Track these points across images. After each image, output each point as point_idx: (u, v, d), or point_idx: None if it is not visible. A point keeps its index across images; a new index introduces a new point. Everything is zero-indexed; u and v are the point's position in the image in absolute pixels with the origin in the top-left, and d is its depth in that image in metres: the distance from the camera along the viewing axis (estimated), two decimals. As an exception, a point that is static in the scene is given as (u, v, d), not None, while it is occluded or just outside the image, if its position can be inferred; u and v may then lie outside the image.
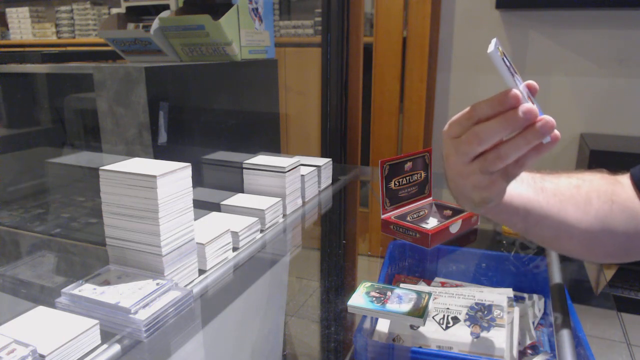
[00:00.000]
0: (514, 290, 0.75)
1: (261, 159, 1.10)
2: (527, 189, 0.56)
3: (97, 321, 0.60)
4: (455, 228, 0.97)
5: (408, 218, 1.00)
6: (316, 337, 0.77)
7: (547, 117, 0.42)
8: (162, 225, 0.69)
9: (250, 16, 1.21)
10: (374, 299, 0.65)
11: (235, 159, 1.14)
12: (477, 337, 0.63)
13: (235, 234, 0.89)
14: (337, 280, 0.94)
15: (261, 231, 0.97)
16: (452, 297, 0.71)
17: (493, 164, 0.45)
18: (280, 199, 1.04)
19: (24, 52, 1.67)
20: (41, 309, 0.63)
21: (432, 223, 1.02)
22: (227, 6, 1.14)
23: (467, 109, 0.45)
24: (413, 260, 0.92)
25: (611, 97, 2.02)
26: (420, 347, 0.63)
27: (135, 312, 0.63)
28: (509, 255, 0.85)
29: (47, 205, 1.16)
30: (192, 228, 0.75)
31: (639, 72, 1.96)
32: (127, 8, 1.24)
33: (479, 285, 0.83)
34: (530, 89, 0.45)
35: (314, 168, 1.20)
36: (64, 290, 0.67)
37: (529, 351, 0.67)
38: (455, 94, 2.26)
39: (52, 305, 0.65)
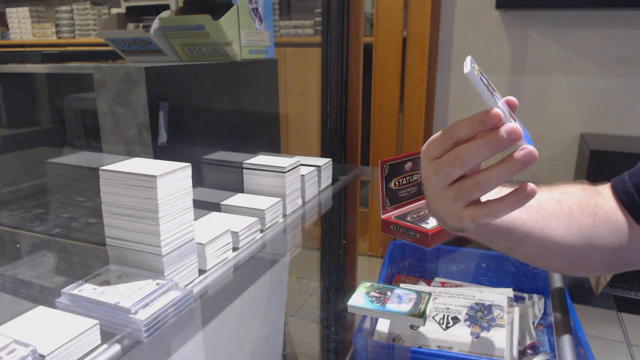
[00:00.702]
0: (514, 290, 0.75)
1: (261, 159, 1.10)
2: None
3: (97, 321, 0.60)
4: (455, 228, 0.97)
5: (408, 218, 1.00)
6: (316, 337, 0.77)
7: (530, 147, 0.40)
8: (162, 225, 0.69)
9: (250, 16, 1.21)
10: (374, 299, 0.65)
11: (235, 159, 1.14)
12: (477, 337, 0.63)
13: (235, 234, 0.89)
14: (337, 280, 0.94)
15: (261, 231, 0.97)
16: (452, 297, 0.71)
17: (470, 192, 0.43)
18: (280, 199, 1.04)
19: (24, 52, 1.67)
20: (41, 309, 0.63)
21: (432, 223, 1.02)
22: (227, 6, 1.14)
23: (446, 128, 0.43)
24: (413, 260, 0.92)
25: (611, 97, 2.02)
26: (420, 347, 0.63)
27: (135, 312, 0.63)
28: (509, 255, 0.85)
29: (47, 205, 1.16)
30: (192, 228, 0.75)
31: (639, 72, 1.96)
32: (127, 8, 1.24)
33: (479, 285, 0.83)
34: (510, 105, 0.43)
35: (314, 168, 1.20)
36: (64, 290, 0.67)
37: (529, 351, 0.67)
38: (455, 94, 2.26)
39: (52, 305, 0.65)
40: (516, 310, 0.70)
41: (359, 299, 0.65)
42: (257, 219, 0.95)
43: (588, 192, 0.57)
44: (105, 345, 0.61)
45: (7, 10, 3.68)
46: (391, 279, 0.87)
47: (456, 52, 2.21)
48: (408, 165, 1.05)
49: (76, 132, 1.21)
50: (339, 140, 2.27)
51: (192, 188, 0.74)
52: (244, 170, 1.10)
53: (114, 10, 3.23)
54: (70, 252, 0.91)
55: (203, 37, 1.12)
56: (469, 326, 0.65)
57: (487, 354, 0.61)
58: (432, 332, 0.64)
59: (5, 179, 1.20)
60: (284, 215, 1.06)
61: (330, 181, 1.29)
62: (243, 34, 1.18)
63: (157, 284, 0.69)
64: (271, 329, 0.83)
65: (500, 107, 0.41)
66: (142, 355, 0.62)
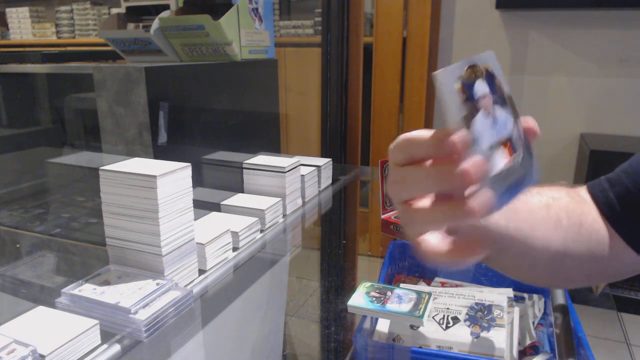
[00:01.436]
0: (514, 290, 0.75)
1: (261, 159, 1.10)
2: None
3: (97, 321, 0.60)
4: (455, 228, 0.97)
5: (408, 218, 1.00)
6: (316, 337, 0.77)
7: (486, 199, 0.31)
8: (162, 225, 0.69)
9: (250, 16, 1.21)
10: (374, 299, 0.65)
11: (235, 159, 1.14)
12: (477, 337, 0.63)
13: (235, 234, 0.89)
14: (337, 280, 0.94)
15: (261, 231, 0.97)
16: (452, 297, 0.71)
17: (405, 224, 0.37)
18: (280, 199, 1.04)
19: (24, 52, 1.67)
20: (41, 309, 0.63)
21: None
22: (227, 6, 1.14)
23: (404, 138, 0.35)
24: (413, 260, 0.92)
25: (611, 97, 2.02)
26: (420, 347, 0.63)
27: (135, 312, 0.63)
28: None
29: (47, 205, 1.16)
30: (192, 228, 0.75)
31: (639, 72, 1.96)
32: (127, 8, 1.24)
33: (479, 285, 0.83)
34: (529, 133, 0.34)
35: (314, 168, 1.20)
36: (64, 290, 0.67)
37: (529, 351, 0.67)
38: (455, 94, 2.26)
39: (52, 305, 0.65)
40: (516, 310, 0.70)
41: (359, 299, 0.65)
42: (257, 219, 0.95)
43: (573, 197, 0.53)
44: (105, 345, 0.61)
45: (7, 10, 3.68)
46: (391, 279, 0.87)
47: (456, 52, 2.21)
48: (408, 165, 1.05)
49: (76, 132, 1.21)
50: (339, 140, 2.27)
51: (192, 188, 0.74)
52: (244, 170, 1.10)
53: (114, 10, 3.23)
54: (70, 252, 0.91)
55: (203, 37, 1.12)
56: (469, 326, 0.65)
57: (487, 354, 0.61)
58: (432, 332, 0.64)
59: (5, 179, 1.20)
60: (284, 215, 1.06)
61: (330, 181, 1.29)
62: (243, 34, 1.18)
63: (157, 284, 0.69)
64: (271, 329, 0.83)
65: (480, 129, 0.31)
66: (142, 355, 0.62)
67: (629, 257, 0.50)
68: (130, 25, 1.26)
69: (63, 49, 3.44)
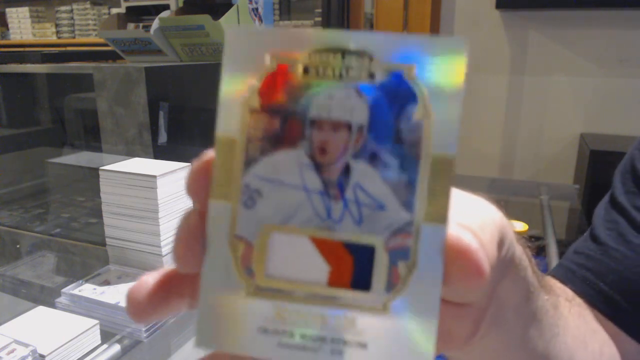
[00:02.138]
0: None
1: (261, 159, 1.10)
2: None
3: (97, 321, 0.60)
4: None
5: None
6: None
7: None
8: (162, 225, 0.69)
9: (250, 16, 1.21)
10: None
11: (235, 159, 1.14)
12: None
13: (235, 234, 0.89)
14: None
15: (261, 231, 0.97)
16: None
17: None
18: (280, 199, 1.04)
19: (24, 52, 1.68)
20: (41, 309, 0.63)
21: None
22: (227, 6, 1.14)
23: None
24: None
25: (611, 97, 2.02)
26: None
27: (135, 312, 0.63)
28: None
29: (47, 205, 1.16)
30: (192, 228, 0.75)
31: (639, 72, 1.96)
32: (127, 8, 1.24)
33: (479, 285, 0.83)
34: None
35: (314, 168, 1.20)
36: (64, 290, 0.67)
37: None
38: (455, 94, 2.26)
39: (52, 305, 0.65)
40: None
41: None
42: (257, 219, 0.95)
43: (590, 316, 0.39)
44: (105, 345, 0.61)
45: (7, 10, 3.68)
46: (391, 279, 0.87)
47: (456, 52, 2.21)
48: (408, 165, 1.05)
49: (76, 132, 1.21)
50: (339, 140, 2.28)
51: (192, 188, 0.74)
52: (244, 170, 1.09)
53: (114, 10, 3.23)
54: (70, 252, 0.91)
55: (203, 37, 1.12)
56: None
57: (487, 354, 0.61)
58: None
59: (5, 179, 1.20)
60: (284, 215, 1.06)
61: (330, 181, 1.29)
62: (243, 34, 1.18)
63: (157, 284, 0.69)
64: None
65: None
66: (142, 355, 0.62)
67: (631, 347, 0.40)
68: (130, 25, 1.26)
69: (63, 49, 3.44)
